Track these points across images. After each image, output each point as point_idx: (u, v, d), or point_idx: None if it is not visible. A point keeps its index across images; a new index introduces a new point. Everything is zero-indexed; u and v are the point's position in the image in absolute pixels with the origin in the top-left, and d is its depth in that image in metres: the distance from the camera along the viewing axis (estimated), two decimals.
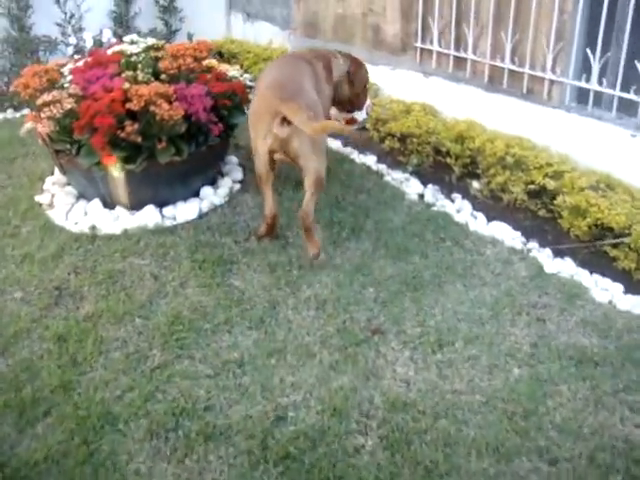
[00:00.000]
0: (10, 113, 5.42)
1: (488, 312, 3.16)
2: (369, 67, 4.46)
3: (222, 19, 6.63)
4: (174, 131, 3.50)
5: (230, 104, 3.78)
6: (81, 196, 3.91)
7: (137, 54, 3.78)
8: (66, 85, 3.73)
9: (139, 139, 3.42)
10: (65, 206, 3.83)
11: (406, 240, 3.63)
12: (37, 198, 3.96)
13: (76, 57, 5.06)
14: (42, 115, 3.49)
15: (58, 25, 5.87)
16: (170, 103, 3.45)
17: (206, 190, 3.88)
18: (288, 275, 3.37)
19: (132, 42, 3.87)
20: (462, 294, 3.27)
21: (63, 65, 3.91)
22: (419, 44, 5.03)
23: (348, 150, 4.64)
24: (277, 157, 3.37)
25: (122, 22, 6.13)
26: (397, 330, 3.05)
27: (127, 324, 3.09)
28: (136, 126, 3.39)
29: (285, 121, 3.18)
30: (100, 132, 3.39)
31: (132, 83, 3.58)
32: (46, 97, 3.52)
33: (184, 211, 3.73)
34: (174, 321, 3.08)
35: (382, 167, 4.43)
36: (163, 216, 3.73)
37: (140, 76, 3.60)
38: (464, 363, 2.88)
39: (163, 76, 3.71)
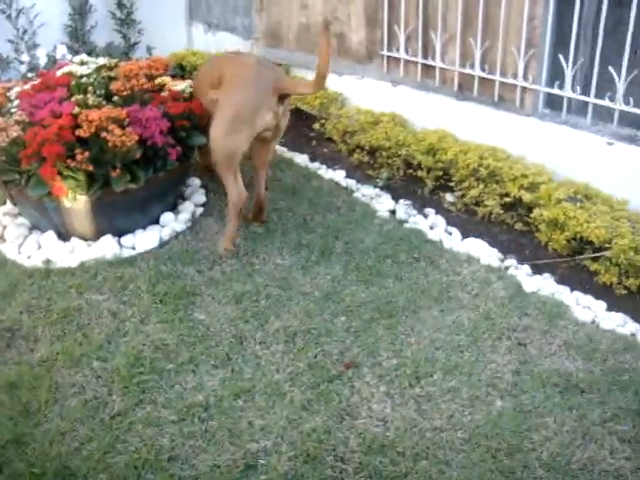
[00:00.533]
0: None
1: (467, 338, 3.01)
2: (334, 77, 4.33)
3: (183, 30, 6.43)
4: (129, 157, 3.31)
5: (188, 125, 3.59)
6: (34, 228, 3.70)
7: (88, 75, 3.59)
8: (13, 110, 3.52)
9: (91, 167, 3.22)
10: (17, 239, 3.62)
11: (378, 262, 3.47)
12: None
13: (29, 76, 4.88)
14: None
15: (10, 42, 5.63)
16: (123, 128, 3.26)
17: (166, 216, 3.70)
18: (255, 306, 3.20)
19: (82, 62, 3.67)
20: (439, 319, 3.12)
21: (10, 88, 3.69)
22: (385, 52, 4.87)
23: (316, 165, 4.48)
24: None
25: (78, 37, 5.91)
26: (372, 362, 2.89)
27: (84, 367, 2.90)
28: (87, 154, 3.19)
29: (280, 98, 3.39)
30: (49, 161, 3.20)
31: (82, 107, 3.39)
32: None
33: (144, 240, 3.54)
34: (135, 362, 2.90)
35: (351, 182, 4.27)
36: (122, 246, 3.54)
37: (91, 99, 3.41)
38: (443, 396, 2.73)
39: (116, 98, 3.52)
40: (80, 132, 3.22)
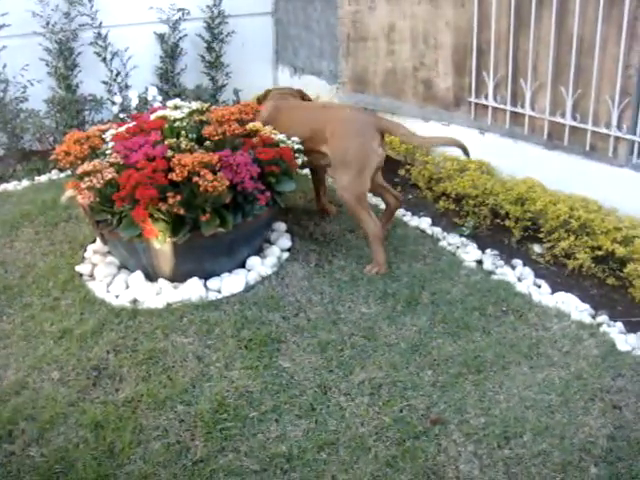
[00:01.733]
0: (55, 174, 5.35)
1: (558, 398, 2.89)
2: (421, 123, 4.30)
3: (269, 73, 6.55)
4: (219, 201, 3.34)
5: (278, 171, 3.60)
6: (123, 267, 3.76)
7: (180, 119, 3.64)
8: (108, 152, 3.60)
9: (182, 211, 3.26)
10: (106, 278, 3.68)
11: (466, 314, 3.39)
12: (78, 268, 3.82)
13: (121, 116, 5.01)
14: (82, 185, 3.36)
15: (104, 83, 5.81)
16: (214, 173, 3.28)
17: (253, 260, 3.70)
18: (340, 355, 3.15)
19: (175, 107, 3.73)
20: (528, 377, 3.01)
21: (105, 131, 3.78)
22: (473, 99, 4.84)
23: (401, 212, 4.43)
24: None
25: (168, 79, 6.05)
26: (459, 420, 2.80)
27: (168, 411, 2.90)
28: (179, 197, 3.23)
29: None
30: (141, 204, 3.25)
31: (175, 151, 3.43)
32: (86, 166, 3.39)
33: (230, 284, 3.55)
34: (218, 408, 2.88)
35: (437, 230, 4.22)
36: (208, 289, 3.56)
37: (183, 143, 3.46)
38: (534, 460, 2.62)
39: (207, 143, 3.56)
40: (172, 176, 3.26)
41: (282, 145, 3.71)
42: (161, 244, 3.42)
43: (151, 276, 3.62)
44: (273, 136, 3.72)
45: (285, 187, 3.67)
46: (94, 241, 4.04)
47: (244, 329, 3.30)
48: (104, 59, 5.74)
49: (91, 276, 3.77)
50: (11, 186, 5.22)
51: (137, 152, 3.41)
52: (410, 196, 4.75)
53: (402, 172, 4.91)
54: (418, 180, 4.77)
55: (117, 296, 3.58)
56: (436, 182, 4.60)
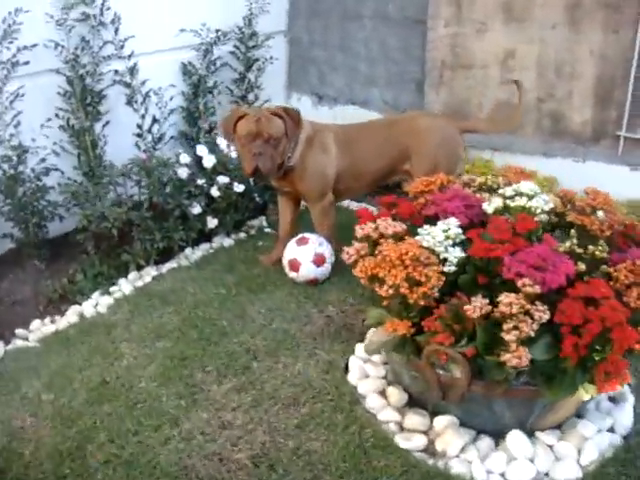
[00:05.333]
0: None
1: None
2: (543, 159, 4.04)
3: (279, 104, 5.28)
4: None
5: None
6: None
7: (547, 213, 2.54)
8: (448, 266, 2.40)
9: None
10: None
11: None
12: None
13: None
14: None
15: (138, 136, 4.29)
16: None
17: None
18: None
19: (528, 195, 2.58)
20: None
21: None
22: (623, 132, 4.20)
23: None
24: None
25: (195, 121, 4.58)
26: None
27: None
28: None
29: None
30: (617, 350, 2.17)
31: (585, 261, 2.37)
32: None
33: None
34: None
35: None
36: None
37: (598, 251, 2.40)
38: None
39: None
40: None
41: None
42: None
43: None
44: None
45: None
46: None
47: None
48: (133, 101, 4.14)
49: (434, 453, 2.52)
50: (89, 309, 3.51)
51: (552, 272, 2.28)
52: None
53: None
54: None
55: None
56: None
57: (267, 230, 4.25)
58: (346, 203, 4.41)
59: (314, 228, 3.65)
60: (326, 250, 3.53)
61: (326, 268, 3.53)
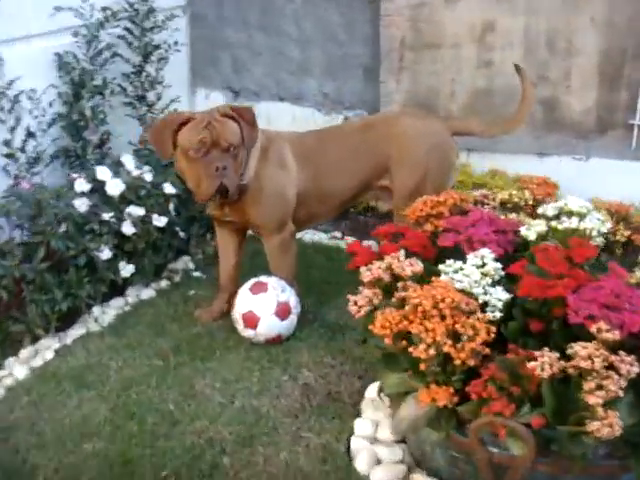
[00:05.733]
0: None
1: None
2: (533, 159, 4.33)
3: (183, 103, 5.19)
4: None
5: None
6: None
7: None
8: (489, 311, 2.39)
9: None
10: None
11: None
12: None
13: None
14: None
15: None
16: None
17: None
18: None
19: (579, 214, 2.58)
20: None
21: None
22: (637, 121, 4.34)
23: None
24: None
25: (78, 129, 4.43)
26: None
27: None
28: None
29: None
30: None
31: None
32: None
33: None
34: None
35: None
36: None
37: None
38: None
39: None
40: None
41: None
42: None
43: None
44: None
45: None
46: None
47: None
48: None
49: None
50: None
51: (632, 312, 2.30)
52: None
53: None
54: None
55: None
56: None
57: (195, 274, 4.15)
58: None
59: (269, 269, 3.57)
60: (291, 297, 3.47)
61: (291, 321, 3.47)
